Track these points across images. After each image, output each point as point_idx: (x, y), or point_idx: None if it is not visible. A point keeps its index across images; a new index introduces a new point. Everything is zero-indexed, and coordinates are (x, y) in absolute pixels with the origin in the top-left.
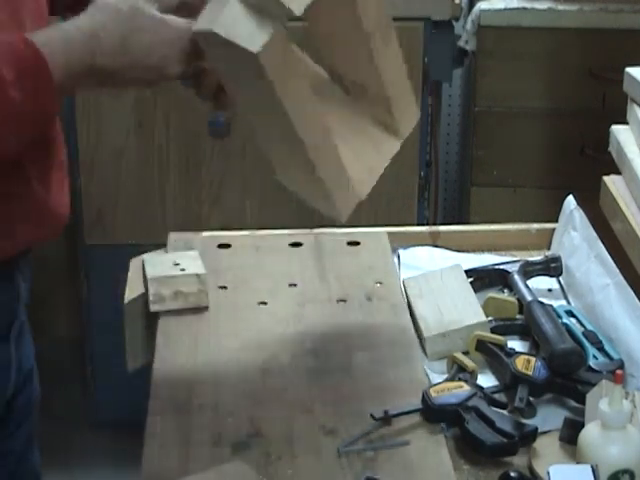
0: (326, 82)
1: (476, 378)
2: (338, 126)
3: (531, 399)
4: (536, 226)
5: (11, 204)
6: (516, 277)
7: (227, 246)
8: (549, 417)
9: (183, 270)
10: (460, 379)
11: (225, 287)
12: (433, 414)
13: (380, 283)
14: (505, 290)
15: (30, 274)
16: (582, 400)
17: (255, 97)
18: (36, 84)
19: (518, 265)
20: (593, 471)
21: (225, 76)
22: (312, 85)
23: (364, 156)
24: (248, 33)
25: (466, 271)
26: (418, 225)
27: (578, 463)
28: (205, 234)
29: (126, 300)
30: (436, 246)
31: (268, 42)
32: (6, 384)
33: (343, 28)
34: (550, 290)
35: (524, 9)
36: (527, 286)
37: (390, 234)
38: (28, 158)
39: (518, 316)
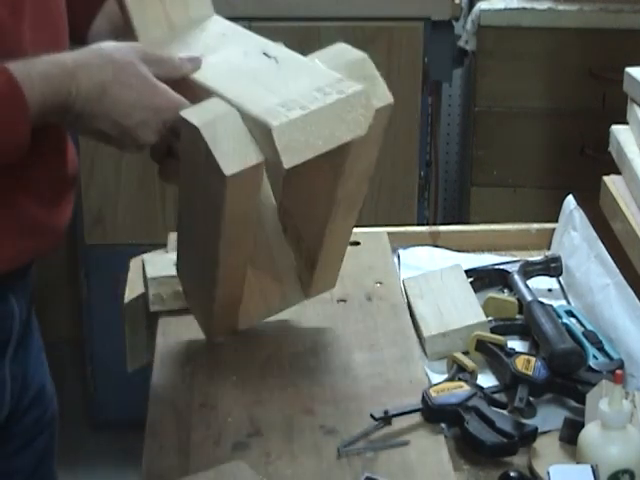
0: (271, 208)
1: (476, 378)
2: (260, 254)
3: (531, 399)
4: (536, 226)
5: None
6: (516, 277)
7: None
8: (549, 417)
9: None
10: (460, 379)
11: None
12: (433, 414)
13: (380, 283)
14: (505, 290)
15: (30, 292)
16: (582, 400)
17: (201, 196)
18: (10, 117)
19: (518, 265)
20: (593, 471)
21: (184, 163)
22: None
23: (267, 294)
24: (231, 151)
25: (466, 271)
26: (418, 225)
27: (578, 463)
28: None
29: (126, 300)
30: (436, 246)
31: (244, 170)
32: (0, 406)
33: (315, 184)
34: (550, 290)
35: (524, 9)
36: (527, 286)
37: (390, 234)
38: (16, 172)
39: (518, 316)
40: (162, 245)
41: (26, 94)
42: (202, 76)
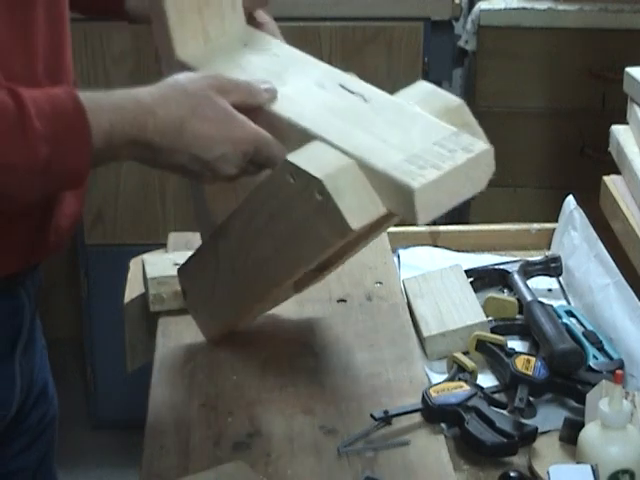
0: None
1: (476, 378)
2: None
3: (531, 399)
4: (536, 226)
5: (11, 221)
6: (516, 277)
7: None
8: (549, 417)
9: None
10: (460, 379)
11: None
12: (433, 414)
13: (380, 283)
14: (505, 290)
15: (38, 291)
16: (582, 400)
17: (286, 228)
18: (71, 144)
19: (518, 265)
20: (593, 471)
21: (268, 194)
22: None
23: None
24: (355, 204)
25: (466, 271)
26: (418, 225)
27: (578, 463)
28: None
29: (126, 300)
30: (436, 246)
31: (367, 224)
32: (10, 403)
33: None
34: (550, 290)
35: (524, 9)
36: (527, 286)
37: (390, 234)
38: None
39: (518, 316)
40: (162, 245)
41: (91, 120)
42: (282, 109)
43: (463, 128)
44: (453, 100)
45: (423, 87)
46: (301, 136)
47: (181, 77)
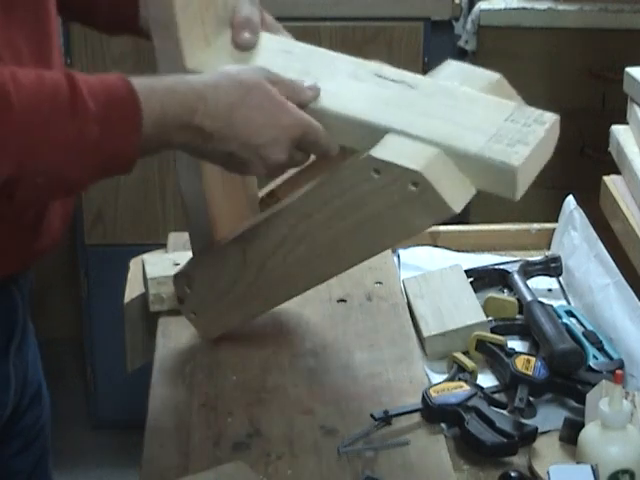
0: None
1: (476, 378)
2: None
3: (531, 399)
4: (536, 226)
5: (5, 221)
6: (516, 277)
7: None
8: (549, 417)
9: None
10: (460, 379)
11: None
12: (433, 414)
13: (380, 283)
14: (505, 290)
15: (30, 290)
16: (582, 400)
17: (362, 222)
18: (122, 126)
19: (518, 265)
20: (593, 471)
21: (335, 187)
22: None
23: None
24: (451, 190)
25: (466, 271)
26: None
27: (578, 463)
28: None
29: (126, 300)
30: (436, 246)
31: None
32: (5, 403)
33: None
34: (550, 290)
35: (524, 9)
36: (527, 286)
37: None
38: None
39: (518, 316)
40: (162, 245)
41: (143, 103)
42: (332, 105)
43: (511, 99)
44: (492, 75)
45: (455, 66)
46: (364, 130)
47: (232, 67)
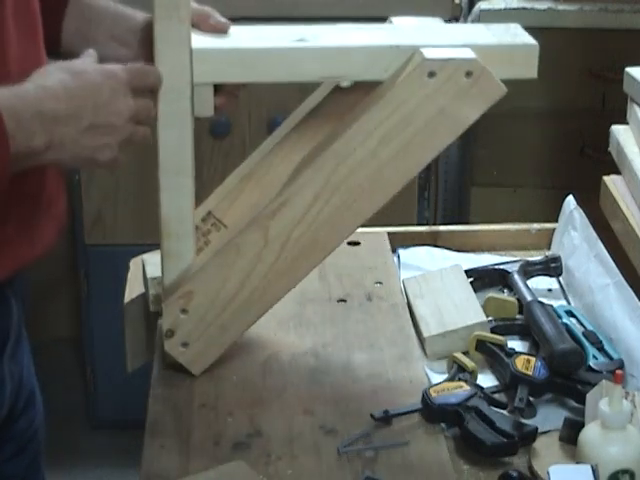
0: None
1: (476, 378)
2: None
3: (531, 399)
4: (536, 226)
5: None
6: (516, 277)
7: None
8: (549, 417)
9: None
10: (460, 379)
11: None
12: (433, 414)
13: (380, 283)
14: (505, 290)
15: (26, 293)
16: (582, 400)
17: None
18: None
19: (518, 265)
20: (593, 471)
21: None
22: None
23: None
24: (495, 76)
25: (466, 271)
26: (418, 225)
27: (578, 463)
28: None
29: (126, 300)
30: (436, 246)
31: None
32: (1, 405)
33: None
34: (550, 290)
35: (524, 9)
36: (527, 286)
37: (390, 234)
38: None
39: (518, 316)
40: None
41: (5, 116)
42: (353, 41)
43: None
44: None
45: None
46: (392, 54)
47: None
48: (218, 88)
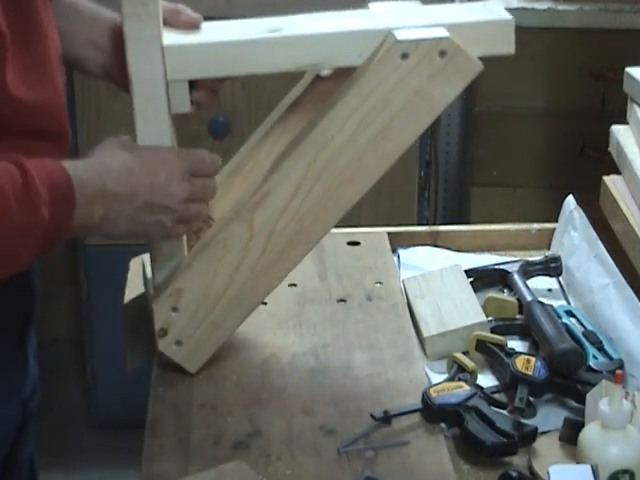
0: None
1: (476, 378)
2: None
3: (531, 399)
4: (536, 226)
5: None
6: (516, 277)
7: None
8: (549, 417)
9: None
10: (460, 379)
11: None
12: (433, 414)
13: (380, 283)
14: (505, 290)
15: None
16: (582, 400)
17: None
18: (62, 208)
19: (518, 265)
20: (593, 471)
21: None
22: None
23: None
24: (470, 54)
25: (466, 271)
26: (418, 225)
27: (578, 463)
28: None
29: (126, 300)
30: (436, 246)
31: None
32: (25, 387)
33: None
34: (550, 290)
35: (524, 9)
36: (527, 286)
37: (390, 234)
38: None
39: (518, 316)
40: None
41: (75, 185)
42: (326, 28)
43: None
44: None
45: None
46: (365, 38)
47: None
48: (195, 84)
